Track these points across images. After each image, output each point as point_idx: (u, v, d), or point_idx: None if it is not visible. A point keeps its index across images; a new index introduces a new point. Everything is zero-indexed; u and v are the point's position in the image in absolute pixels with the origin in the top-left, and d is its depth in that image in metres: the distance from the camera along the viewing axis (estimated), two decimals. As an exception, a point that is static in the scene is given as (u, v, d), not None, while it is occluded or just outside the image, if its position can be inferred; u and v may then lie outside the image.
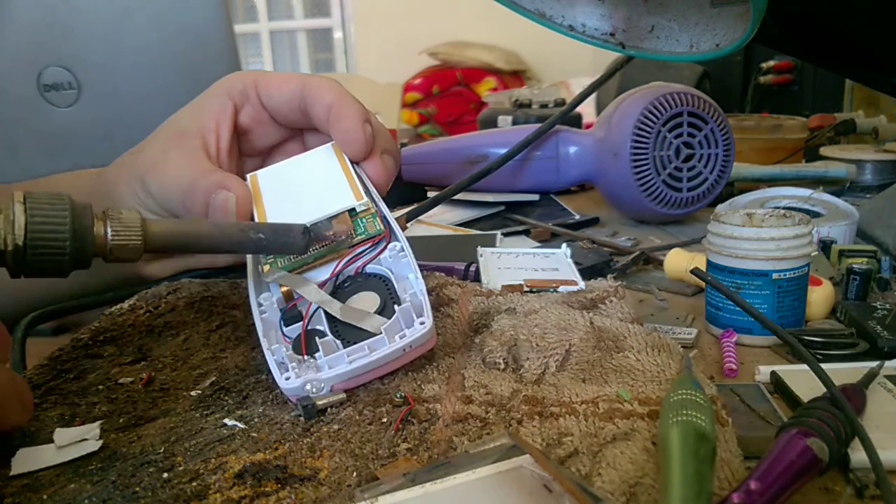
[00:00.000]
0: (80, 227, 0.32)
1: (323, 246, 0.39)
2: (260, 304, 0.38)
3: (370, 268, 0.39)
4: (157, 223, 0.34)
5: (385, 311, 0.37)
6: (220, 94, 0.48)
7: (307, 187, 0.44)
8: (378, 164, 0.46)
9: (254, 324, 0.38)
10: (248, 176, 0.47)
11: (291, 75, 0.48)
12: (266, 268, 0.39)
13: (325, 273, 0.39)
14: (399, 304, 0.36)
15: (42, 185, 0.52)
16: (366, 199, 0.41)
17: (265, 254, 0.39)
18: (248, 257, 0.40)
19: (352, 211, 0.41)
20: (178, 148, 0.46)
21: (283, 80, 0.48)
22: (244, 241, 0.36)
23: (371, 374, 0.35)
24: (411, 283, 0.38)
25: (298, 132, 0.52)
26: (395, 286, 0.38)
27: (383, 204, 0.41)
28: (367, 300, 0.38)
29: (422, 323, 0.35)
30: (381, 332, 0.35)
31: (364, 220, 0.40)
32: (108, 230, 0.33)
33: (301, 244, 0.37)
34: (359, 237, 0.39)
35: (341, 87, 0.47)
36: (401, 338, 0.35)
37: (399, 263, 0.39)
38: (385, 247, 0.39)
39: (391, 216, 0.40)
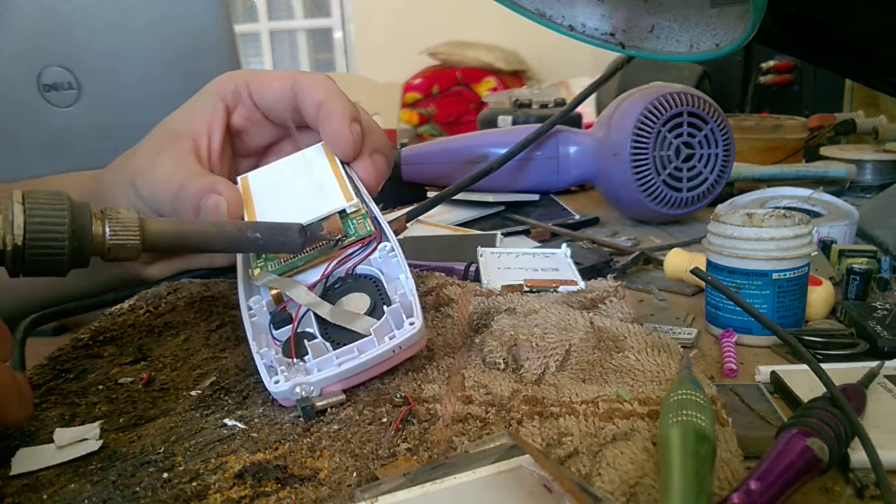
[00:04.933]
0: (78, 227, 0.32)
1: (315, 248, 0.39)
2: (250, 308, 0.38)
3: (361, 268, 0.39)
4: (155, 222, 0.34)
5: (375, 312, 0.37)
6: (211, 95, 0.48)
7: (298, 189, 0.44)
8: (368, 164, 0.45)
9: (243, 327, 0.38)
10: (238, 179, 0.47)
11: (283, 73, 0.48)
12: (256, 272, 0.39)
13: (315, 275, 0.39)
14: (389, 305, 0.36)
15: (38, 186, 0.52)
16: (356, 199, 0.41)
17: (262, 253, 0.39)
18: (239, 261, 0.40)
19: (342, 212, 0.41)
20: (168, 151, 0.46)
21: (274, 78, 0.48)
22: (241, 240, 0.36)
23: (362, 375, 0.35)
24: (401, 283, 0.38)
25: (296, 131, 0.51)
26: (386, 287, 0.38)
27: (374, 205, 0.41)
28: (357, 301, 0.38)
29: (411, 323, 0.35)
30: (370, 334, 0.35)
31: (354, 222, 0.40)
32: (107, 229, 0.32)
33: (298, 243, 0.36)
34: (349, 238, 0.39)
35: (332, 83, 0.46)
36: (390, 339, 0.35)
37: (389, 263, 0.39)
38: (375, 248, 0.39)
39: (381, 217, 0.40)
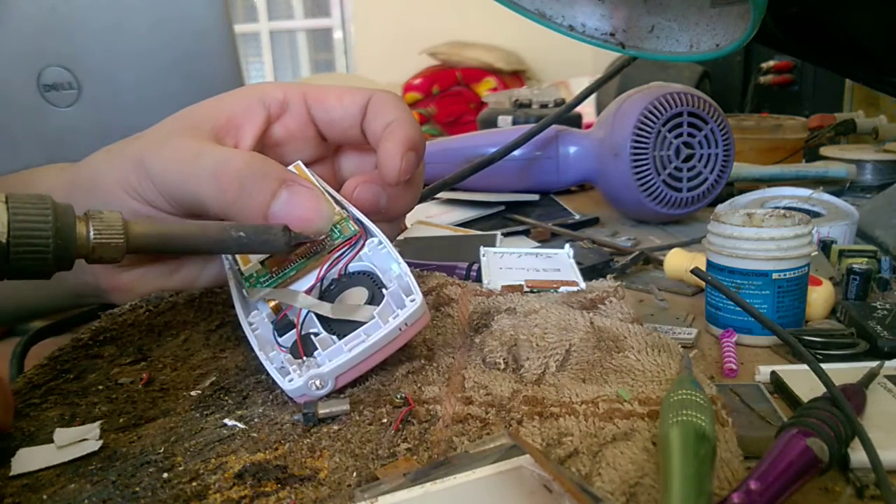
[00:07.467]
0: (62, 226, 0.31)
1: (303, 256, 0.39)
2: (251, 324, 0.38)
3: (353, 266, 0.39)
4: (139, 223, 0.34)
5: (374, 301, 0.37)
6: (251, 99, 0.44)
7: None
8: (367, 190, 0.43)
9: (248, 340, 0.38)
10: None
11: (352, 89, 0.45)
12: (251, 290, 0.39)
13: (309, 281, 0.39)
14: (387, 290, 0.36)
15: (9, 181, 0.48)
16: (337, 208, 0.41)
17: (247, 253, 0.39)
18: (232, 284, 0.40)
19: None
20: (189, 135, 0.42)
21: (344, 93, 0.44)
22: (226, 240, 0.35)
23: (372, 359, 0.35)
24: (395, 270, 0.38)
25: (332, 152, 0.48)
26: (381, 277, 0.38)
27: (353, 208, 0.41)
28: (355, 296, 0.38)
29: (412, 300, 0.36)
30: (374, 317, 0.35)
31: (338, 227, 0.40)
32: (91, 229, 0.32)
33: (282, 241, 0.36)
34: (336, 241, 0.40)
35: (405, 105, 0.44)
36: (394, 318, 0.35)
37: (379, 256, 0.39)
38: (363, 244, 0.39)
39: (363, 216, 0.41)
